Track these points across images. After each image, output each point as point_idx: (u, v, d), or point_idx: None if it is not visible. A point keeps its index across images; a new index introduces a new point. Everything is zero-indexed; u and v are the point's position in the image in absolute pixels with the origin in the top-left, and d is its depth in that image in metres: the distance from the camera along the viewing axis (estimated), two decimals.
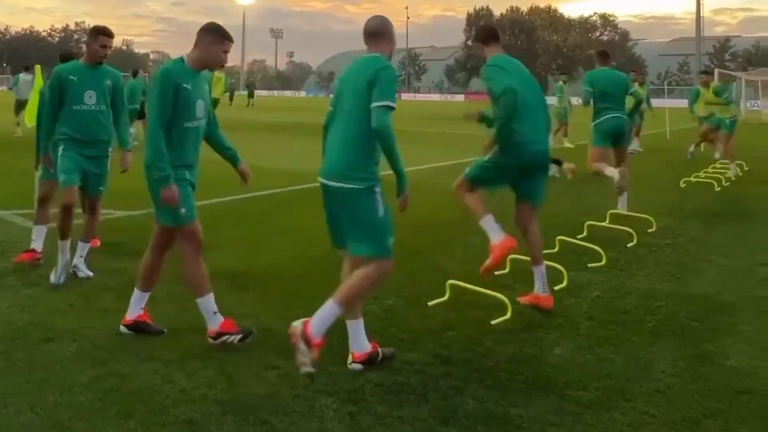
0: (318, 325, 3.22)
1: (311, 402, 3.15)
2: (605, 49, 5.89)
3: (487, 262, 4.50)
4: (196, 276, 3.83)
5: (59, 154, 4.90)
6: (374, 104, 3.29)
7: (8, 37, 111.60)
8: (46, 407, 3.06)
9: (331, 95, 3.76)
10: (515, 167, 4.52)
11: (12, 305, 4.40)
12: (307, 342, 3.16)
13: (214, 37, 3.78)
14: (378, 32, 3.59)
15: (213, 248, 5.95)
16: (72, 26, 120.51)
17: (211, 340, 3.78)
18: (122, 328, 3.94)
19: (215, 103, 19.14)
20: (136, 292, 3.97)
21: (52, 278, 4.82)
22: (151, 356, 3.62)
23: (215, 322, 3.81)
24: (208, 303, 3.82)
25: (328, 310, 3.30)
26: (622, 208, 7.61)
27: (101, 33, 4.91)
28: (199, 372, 3.45)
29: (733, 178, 10.97)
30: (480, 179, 4.65)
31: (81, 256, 5.12)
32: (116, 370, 3.45)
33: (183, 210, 3.75)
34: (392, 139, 3.31)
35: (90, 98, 4.92)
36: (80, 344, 3.78)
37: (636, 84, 15.69)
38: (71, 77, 4.89)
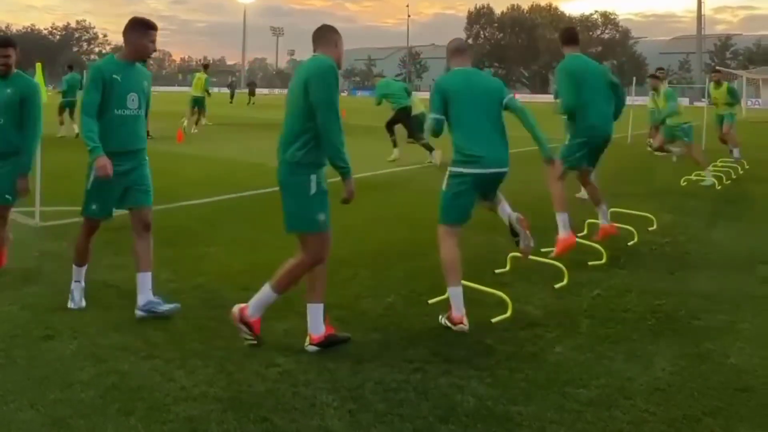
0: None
1: (311, 399, 3.16)
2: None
3: (553, 253, 5.68)
4: (293, 280, 3.83)
5: (92, 172, 4.16)
6: (510, 96, 4.49)
7: (9, 35, 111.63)
8: (47, 405, 3.06)
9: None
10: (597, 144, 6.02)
11: (12, 303, 4.41)
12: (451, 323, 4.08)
13: (339, 34, 3.83)
14: (465, 49, 4.63)
15: (214, 246, 5.96)
16: (73, 24, 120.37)
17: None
18: (311, 348, 3.73)
19: (201, 101, 19.22)
20: (311, 306, 3.83)
21: (71, 305, 4.33)
22: (151, 354, 3.62)
23: (256, 310, 3.81)
24: (269, 297, 3.84)
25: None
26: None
27: (152, 28, 4.26)
28: (200, 370, 3.45)
29: (714, 182, 10.19)
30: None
31: (150, 289, 4.30)
32: (117, 367, 3.46)
33: (322, 216, 3.69)
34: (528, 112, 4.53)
35: (132, 102, 4.24)
36: (81, 342, 3.78)
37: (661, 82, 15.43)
38: (115, 76, 4.14)
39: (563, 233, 5.76)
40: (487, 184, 4.36)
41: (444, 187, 4.36)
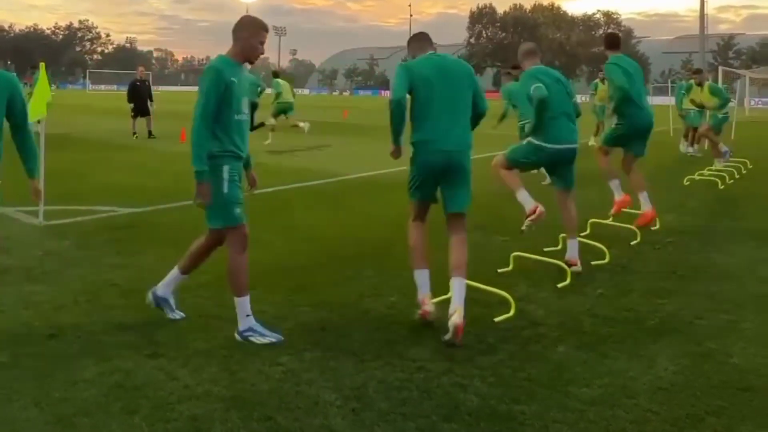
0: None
1: (315, 398, 3.16)
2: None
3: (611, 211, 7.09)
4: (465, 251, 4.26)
5: (226, 177, 3.91)
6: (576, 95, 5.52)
7: (12, 35, 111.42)
8: (51, 403, 3.07)
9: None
10: (639, 131, 6.76)
11: (16, 301, 4.42)
12: None
13: None
14: (536, 50, 5.64)
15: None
16: (76, 24, 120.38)
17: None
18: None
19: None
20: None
21: (171, 316, 4.13)
22: (155, 353, 3.63)
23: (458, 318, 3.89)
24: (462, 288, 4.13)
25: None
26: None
27: (264, 29, 3.94)
28: (203, 368, 3.46)
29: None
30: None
31: (172, 292, 4.23)
32: (120, 366, 3.47)
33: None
34: None
35: (245, 106, 3.95)
36: (84, 340, 3.79)
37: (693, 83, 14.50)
38: (233, 78, 3.79)
39: (618, 196, 7.00)
40: (568, 157, 5.37)
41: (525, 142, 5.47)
